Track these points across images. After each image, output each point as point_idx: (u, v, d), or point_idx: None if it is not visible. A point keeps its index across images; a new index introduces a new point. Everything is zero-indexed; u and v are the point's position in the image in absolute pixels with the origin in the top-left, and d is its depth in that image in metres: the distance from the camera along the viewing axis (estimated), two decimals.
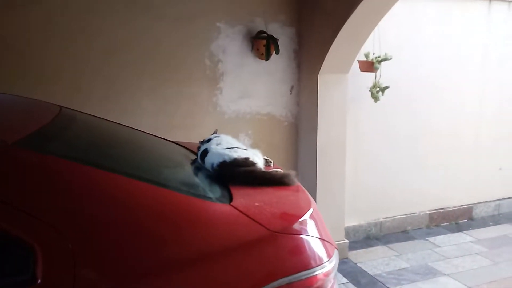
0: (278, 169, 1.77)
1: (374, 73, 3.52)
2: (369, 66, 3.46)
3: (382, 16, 3.17)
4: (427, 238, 4.05)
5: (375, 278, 3.31)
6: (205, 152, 1.75)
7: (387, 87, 3.51)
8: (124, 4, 2.97)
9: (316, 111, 3.41)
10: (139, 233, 1.19)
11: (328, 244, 1.43)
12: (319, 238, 1.40)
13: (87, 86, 2.94)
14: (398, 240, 4.00)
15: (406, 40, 3.90)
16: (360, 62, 3.51)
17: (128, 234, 1.18)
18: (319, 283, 1.30)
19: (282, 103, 3.55)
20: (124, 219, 1.19)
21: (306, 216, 1.43)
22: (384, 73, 3.53)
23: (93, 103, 2.88)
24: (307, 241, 1.36)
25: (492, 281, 3.24)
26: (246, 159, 1.68)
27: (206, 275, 1.19)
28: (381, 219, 4.11)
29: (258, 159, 1.73)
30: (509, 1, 4.35)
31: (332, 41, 3.18)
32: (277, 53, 3.27)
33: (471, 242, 3.97)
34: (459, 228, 4.29)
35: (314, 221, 1.45)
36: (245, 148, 1.80)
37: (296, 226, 1.38)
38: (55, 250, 1.09)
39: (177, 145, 2.09)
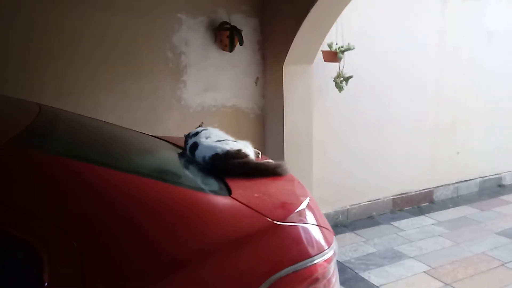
0: (269, 160, 1.77)
1: (337, 63, 3.55)
2: (332, 56, 3.48)
3: (344, 6, 3.19)
4: (391, 223, 4.18)
5: (344, 264, 3.37)
6: (195, 145, 1.73)
7: (350, 77, 3.55)
8: None
9: (282, 103, 3.40)
10: (146, 228, 1.16)
11: (327, 231, 1.45)
12: (319, 226, 1.42)
13: (36, 82, 2.76)
14: (364, 226, 4.10)
15: (367, 29, 3.95)
16: (323, 52, 3.52)
17: (134, 230, 1.15)
18: (322, 270, 1.33)
19: (247, 95, 3.51)
20: (128, 214, 1.16)
21: (305, 205, 1.44)
22: (347, 63, 3.57)
23: (44, 99, 2.71)
24: (309, 229, 1.38)
25: (454, 261, 3.38)
26: (239, 151, 1.67)
27: (217, 269, 1.18)
28: (348, 207, 4.19)
29: (250, 151, 1.73)
30: None
31: (296, 32, 3.17)
32: (241, 44, 3.23)
33: (433, 224, 4.13)
34: (421, 212, 4.45)
35: (313, 209, 1.46)
36: (234, 140, 1.79)
37: (297, 215, 1.39)
38: (61, 250, 1.05)
39: (162, 140, 2.05)
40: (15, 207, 1.04)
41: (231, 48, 3.19)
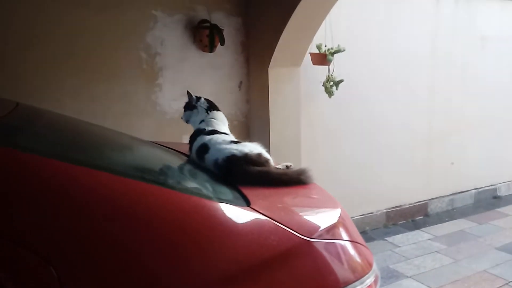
0: (288, 164, 1.54)
1: (327, 66, 3.30)
2: (322, 58, 3.24)
3: (332, 4, 2.97)
4: (385, 238, 3.91)
5: None
6: (204, 147, 1.50)
7: (341, 81, 3.31)
8: None
9: (267, 108, 3.13)
10: (150, 248, 0.89)
11: (365, 249, 1.20)
12: (356, 243, 1.17)
13: None
14: None
15: (357, 32, 3.73)
16: (312, 54, 3.28)
17: (134, 249, 0.88)
18: None
19: (230, 100, 3.23)
20: (127, 230, 0.90)
21: (339, 218, 1.18)
22: (338, 66, 3.32)
23: None
24: (347, 248, 1.13)
25: (455, 280, 3.11)
26: (259, 155, 1.45)
27: None
28: None
29: (269, 155, 1.51)
30: None
31: (282, 32, 2.93)
32: (222, 44, 2.95)
33: (429, 239, 3.87)
34: (416, 226, 4.20)
35: (347, 223, 1.22)
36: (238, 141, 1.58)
37: (332, 230, 1.13)
38: (34, 280, 0.80)
39: (156, 144, 1.81)
40: None
41: (211, 49, 2.92)
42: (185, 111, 1.83)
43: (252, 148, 1.48)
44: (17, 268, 0.79)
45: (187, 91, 1.86)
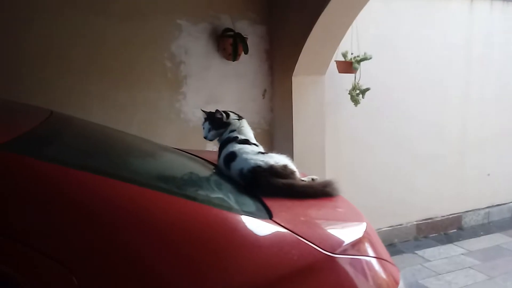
0: (314, 177, 1.54)
1: (353, 74, 3.24)
2: (347, 66, 3.17)
3: (358, 11, 2.90)
4: (415, 252, 3.76)
5: None
6: (232, 156, 1.51)
7: (367, 89, 3.23)
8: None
9: (291, 117, 3.10)
10: (171, 260, 0.90)
11: (391, 266, 1.15)
12: (382, 259, 1.13)
13: (21, 92, 2.52)
14: None
15: (385, 39, 3.65)
16: (337, 62, 3.22)
17: (154, 260, 0.89)
18: None
19: (254, 108, 3.22)
20: (148, 241, 0.91)
21: (364, 233, 1.15)
22: (364, 74, 3.25)
23: None
24: (372, 264, 1.09)
25: None
26: (285, 166, 1.45)
27: None
28: None
29: (294, 166, 1.51)
30: None
31: (306, 39, 2.89)
32: (245, 53, 2.96)
33: (462, 254, 3.69)
34: (448, 239, 4.02)
35: (372, 238, 1.17)
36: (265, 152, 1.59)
37: (356, 246, 1.10)
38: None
39: (183, 151, 1.81)
40: None
41: (234, 57, 2.92)
42: (214, 129, 1.72)
43: (278, 159, 1.48)
44: (40, 276, 0.81)
45: (216, 110, 1.75)
